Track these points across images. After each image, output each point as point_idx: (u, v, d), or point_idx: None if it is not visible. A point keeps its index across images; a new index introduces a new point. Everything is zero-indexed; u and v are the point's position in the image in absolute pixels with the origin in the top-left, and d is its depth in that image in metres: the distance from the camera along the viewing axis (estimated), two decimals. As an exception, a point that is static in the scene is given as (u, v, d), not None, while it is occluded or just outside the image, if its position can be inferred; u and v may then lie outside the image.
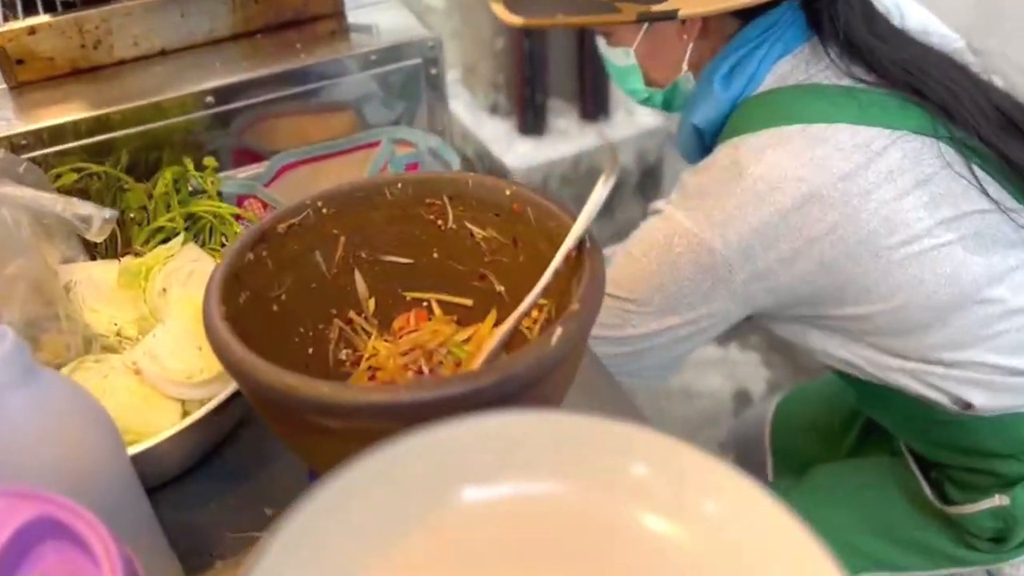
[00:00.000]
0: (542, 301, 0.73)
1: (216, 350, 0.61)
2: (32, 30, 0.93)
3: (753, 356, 2.17)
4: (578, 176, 2.47)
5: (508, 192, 0.74)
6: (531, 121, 2.48)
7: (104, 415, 0.59)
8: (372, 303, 0.80)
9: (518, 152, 2.45)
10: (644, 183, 2.57)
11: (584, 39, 2.44)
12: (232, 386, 0.74)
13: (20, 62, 0.94)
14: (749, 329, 2.24)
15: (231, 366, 0.59)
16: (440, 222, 0.78)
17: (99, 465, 0.58)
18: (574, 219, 0.69)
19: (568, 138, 2.49)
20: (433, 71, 1.10)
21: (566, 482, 0.46)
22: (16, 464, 0.53)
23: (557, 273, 0.68)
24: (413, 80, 1.10)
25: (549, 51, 2.45)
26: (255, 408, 0.64)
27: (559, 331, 0.59)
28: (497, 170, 2.46)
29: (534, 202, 0.73)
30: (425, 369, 0.76)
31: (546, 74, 2.46)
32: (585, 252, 0.66)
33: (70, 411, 0.56)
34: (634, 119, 2.55)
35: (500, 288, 0.78)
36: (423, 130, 1.05)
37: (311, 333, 0.76)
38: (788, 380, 2.09)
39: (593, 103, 2.54)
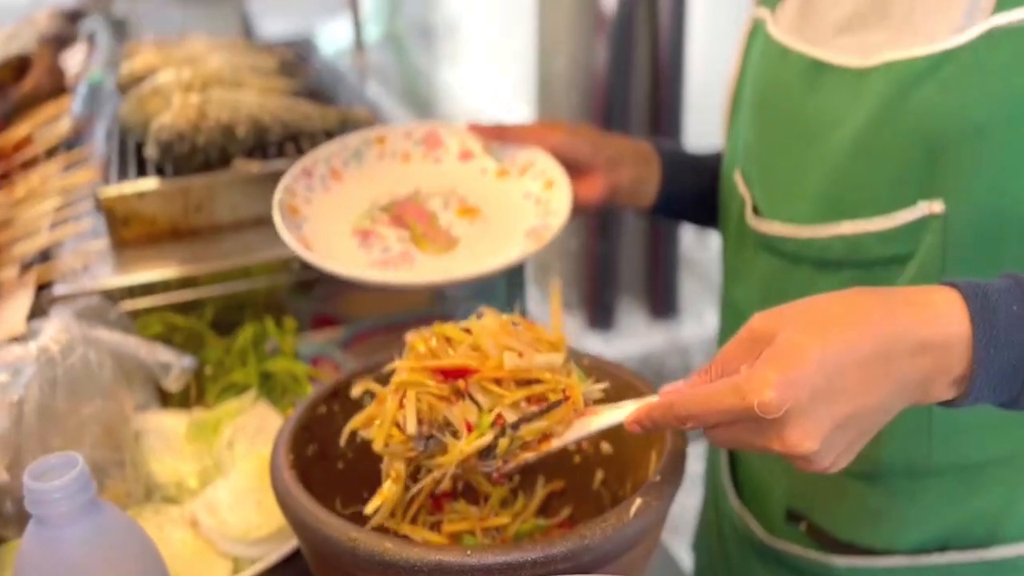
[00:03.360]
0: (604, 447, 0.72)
1: (279, 497, 0.59)
2: (141, 194, 0.99)
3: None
4: (647, 375, 2.45)
5: (585, 362, 0.73)
6: (600, 317, 2.50)
7: (160, 559, 0.57)
8: None
9: (585, 348, 2.45)
10: (712, 386, 2.53)
11: (656, 238, 2.50)
12: (287, 547, 0.71)
13: (125, 222, 0.99)
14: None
15: (292, 514, 0.57)
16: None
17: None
18: (651, 390, 0.68)
19: (636, 336, 2.50)
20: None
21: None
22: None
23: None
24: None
25: (620, 251, 2.51)
26: (312, 567, 0.61)
27: (638, 502, 0.56)
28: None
29: (611, 372, 0.72)
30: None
31: (616, 273, 2.51)
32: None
33: (128, 549, 0.54)
34: (703, 319, 2.56)
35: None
36: (499, 305, 1.06)
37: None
38: None
39: (663, 302, 2.57)
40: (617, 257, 2.50)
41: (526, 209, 0.87)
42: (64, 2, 2.49)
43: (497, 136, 0.91)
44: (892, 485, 0.76)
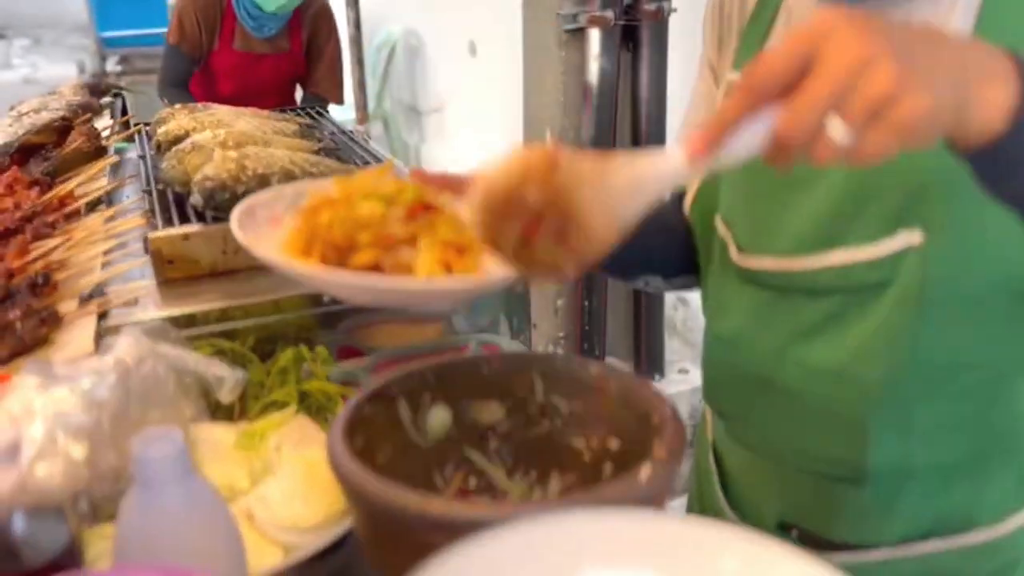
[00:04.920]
0: (611, 443, 0.81)
1: (338, 470, 0.68)
2: (186, 236, 1.10)
3: None
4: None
5: (594, 371, 0.83)
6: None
7: (238, 529, 0.66)
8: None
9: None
10: (697, 439, 2.62)
11: (639, 302, 2.62)
12: (331, 535, 0.80)
13: (171, 262, 1.09)
14: None
15: (350, 484, 0.67)
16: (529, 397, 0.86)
17: (229, 555, 0.64)
18: (658, 395, 0.78)
19: (623, 391, 2.59)
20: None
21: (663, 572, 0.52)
22: (169, 548, 0.59)
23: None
24: (495, 306, 1.24)
25: (607, 310, 2.62)
26: (363, 534, 0.70)
27: (648, 467, 0.66)
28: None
29: (617, 377, 0.82)
30: None
31: (603, 331, 2.62)
32: (667, 418, 0.74)
33: (216, 515, 0.64)
34: (688, 377, 2.66)
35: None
36: (507, 337, 1.17)
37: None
38: None
39: (648, 362, 2.67)
40: (604, 315, 2.62)
41: None
42: (54, 79, 2.62)
43: (444, 186, 0.82)
44: (878, 487, 0.85)
